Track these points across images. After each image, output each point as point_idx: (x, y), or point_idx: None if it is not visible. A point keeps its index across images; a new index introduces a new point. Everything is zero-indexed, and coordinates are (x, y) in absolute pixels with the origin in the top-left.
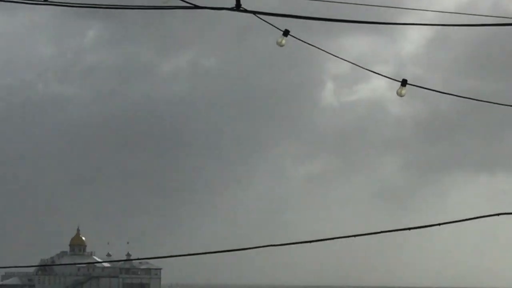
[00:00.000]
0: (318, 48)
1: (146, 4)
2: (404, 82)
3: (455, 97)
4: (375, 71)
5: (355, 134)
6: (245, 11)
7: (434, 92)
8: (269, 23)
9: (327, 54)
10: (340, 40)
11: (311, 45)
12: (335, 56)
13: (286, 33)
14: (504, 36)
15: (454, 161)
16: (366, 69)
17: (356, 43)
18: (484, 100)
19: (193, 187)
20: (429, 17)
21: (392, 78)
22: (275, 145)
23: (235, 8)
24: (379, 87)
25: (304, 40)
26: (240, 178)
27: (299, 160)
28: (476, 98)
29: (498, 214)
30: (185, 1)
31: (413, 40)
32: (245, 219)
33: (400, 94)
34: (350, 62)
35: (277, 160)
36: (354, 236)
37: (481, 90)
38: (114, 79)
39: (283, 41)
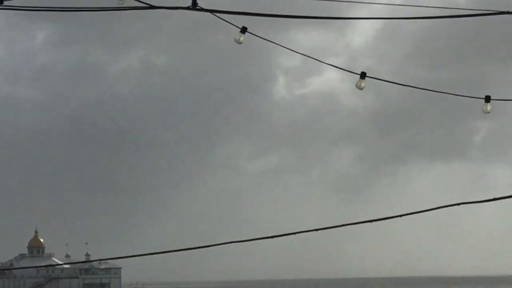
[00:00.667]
0: (276, 44)
1: (98, 5)
2: (363, 75)
3: (406, 88)
4: (330, 63)
5: (309, 127)
6: (202, 9)
7: (386, 83)
8: (227, 21)
9: (279, 48)
10: (291, 34)
11: (269, 41)
12: (293, 50)
13: (243, 30)
14: (451, 27)
15: (408, 151)
16: (326, 62)
17: (307, 36)
18: (443, 91)
19: (148, 185)
20: (378, 9)
21: (351, 71)
22: (229, 141)
23: (191, 7)
24: (331, 80)
25: (260, 36)
26: (195, 175)
27: (253, 155)
28: (435, 90)
29: (458, 204)
30: (140, 1)
31: (362, 32)
32: (202, 216)
33: (359, 87)
34: (312, 57)
35: (232, 155)
36: (316, 230)
37: (432, 80)
38: (66, 80)
39: (241, 38)
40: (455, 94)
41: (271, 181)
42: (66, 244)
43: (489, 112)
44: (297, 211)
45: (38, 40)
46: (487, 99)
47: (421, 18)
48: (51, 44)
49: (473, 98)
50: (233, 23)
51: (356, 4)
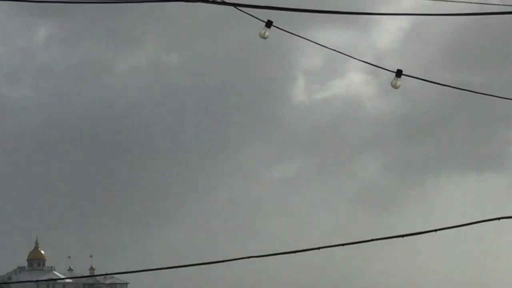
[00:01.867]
0: (305, 39)
1: None
2: (399, 73)
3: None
4: (363, 60)
5: (331, 133)
6: (223, 3)
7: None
8: (251, 15)
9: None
10: (312, 33)
11: (296, 35)
12: (324, 46)
13: (269, 24)
14: (485, 25)
15: (439, 160)
16: (359, 59)
17: (329, 36)
18: (480, 92)
19: (158, 194)
20: (405, 8)
21: (387, 69)
22: (245, 146)
23: (211, 0)
24: (354, 83)
25: (287, 31)
26: (209, 183)
27: (272, 162)
28: (472, 90)
29: (499, 218)
30: None
31: (388, 32)
32: (215, 228)
33: (395, 86)
34: (344, 54)
35: (247, 163)
36: (343, 245)
37: (464, 83)
38: (69, 79)
39: (267, 33)
40: (498, 97)
41: (290, 191)
42: (69, 257)
43: None
44: (319, 224)
45: (39, 37)
46: None
47: (451, 15)
48: (53, 41)
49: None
50: (254, 18)
51: (382, 3)
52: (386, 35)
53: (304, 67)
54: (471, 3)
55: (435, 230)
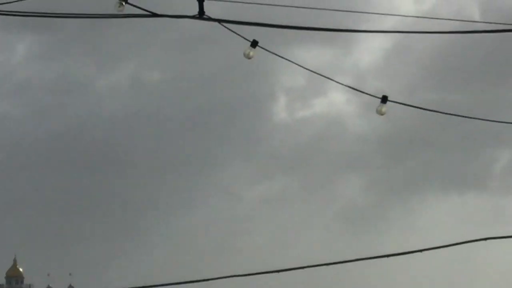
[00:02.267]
0: (289, 61)
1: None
2: (384, 99)
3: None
4: (350, 86)
5: (313, 152)
6: (209, 19)
7: (396, 105)
8: (237, 34)
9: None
10: (294, 51)
11: (280, 56)
12: (304, 68)
13: (254, 44)
14: (468, 43)
15: (421, 180)
16: (343, 84)
17: (311, 54)
18: (465, 115)
19: (138, 211)
20: (387, 26)
21: (372, 94)
22: (226, 165)
23: (197, 16)
24: (336, 101)
25: (272, 51)
26: (189, 202)
27: (253, 180)
28: (457, 114)
29: (485, 239)
30: (143, 9)
31: (370, 51)
32: (197, 246)
33: (380, 113)
34: (326, 76)
35: (229, 181)
36: (327, 264)
37: (447, 104)
38: (48, 96)
39: (251, 53)
40: (481, 119)
41: (272, 210)
42: (48, 274)
43: None
44: (301, 243)
45: (18, 53)
46: None
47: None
48: (32, 58)
49: (495, 122)
50: (237, 37)
51: (364, 21)
52: (368, 53)
53: (286, 85)
54: (453, 20)
55: (421, 250)
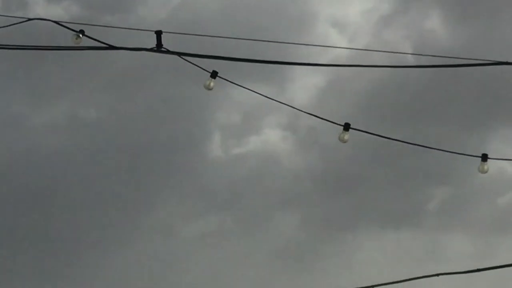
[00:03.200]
0: (252, 90)
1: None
2: (346, 126)
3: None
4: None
5: (248, 189)
6: (168, 52)
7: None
8: (197, 65)
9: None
10: (227, 90)
11: (243, 87)
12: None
13: (214, 74)
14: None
15: (357, 217)
16: (312, 114)
17: (244, 92)
18: (433, 147)
19: (72, 249)
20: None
21: (333, 121)
22: (161, 203)
23: (155, 49)
24: (270, 139)
25: (231, 81)
26: (123, 240)
27: (188, 218)
28: (419, 144)
29: (437, 275)
30: (99, 41)
31: (305, 90)
32: (135, 282)
33: (343, 140)
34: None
35: (164, 219)
36: None
37: (380, 143)
38: None
39: (212, 83)
40: (450, 152)
41: (208, 247)
42: None
43: (486, 172)
44: (238, 280)
45: None
46: (484, 157)
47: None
48: None
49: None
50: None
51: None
52: (303, 91)
53: (221, 123)
54: (388, 52)
55: (372, 286)
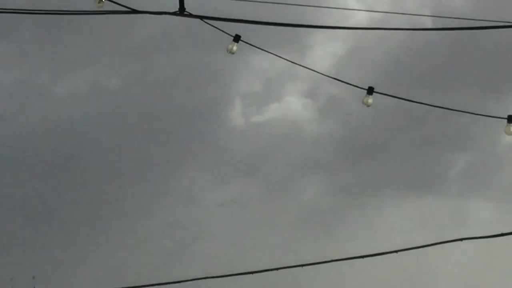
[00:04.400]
0: (276, 55)
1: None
2: (370, 90)
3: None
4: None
5: (270, 157)
6: (190, 15)
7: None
8: (220, 29)
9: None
10: (248, 58)
11: (266, 51)
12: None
13: (237, 38)
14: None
15: (379, 183)
16: (336, 78)
17: (265, 60)
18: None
19: (97, 216)
20: (341, 35)
21: (357, 86)
22: (183, 170)
23: (178, 13)
24: (292, 106)
25: (254, 45)
26: (147, 206)
27: (211, 185)
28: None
29: (461, 239)
30: (121, 5)
31: (323, 57)
32: (157, 250)
33: (366, 104)
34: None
35: (187, 185)
36: (301, 266)
37: (405, 109)
38: (3, 104)
39: (234, 47)
40: (475, 113)
41: (231, 214)
42: (11, 279)
43: None
44: (263, 246)
45: None
46: (510, 119)
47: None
48: None
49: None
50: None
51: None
52: (321, 60)
53: (242, 91)
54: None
55: (397, 251)
